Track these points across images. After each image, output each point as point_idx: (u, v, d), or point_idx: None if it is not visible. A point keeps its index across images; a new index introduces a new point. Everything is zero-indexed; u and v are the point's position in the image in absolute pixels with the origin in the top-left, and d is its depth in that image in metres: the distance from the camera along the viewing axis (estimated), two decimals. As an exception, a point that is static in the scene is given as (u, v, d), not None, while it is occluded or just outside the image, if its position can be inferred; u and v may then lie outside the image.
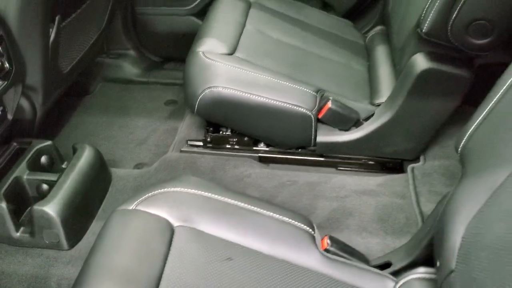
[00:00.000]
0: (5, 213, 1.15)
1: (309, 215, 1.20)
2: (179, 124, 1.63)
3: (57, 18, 1.31)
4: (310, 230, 0.90)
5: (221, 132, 1.45)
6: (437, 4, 1.11)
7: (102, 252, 0.82)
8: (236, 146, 1.44)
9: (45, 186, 1.25)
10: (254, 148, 1.44)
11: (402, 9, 1.40)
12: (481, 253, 0.61)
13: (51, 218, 1.14)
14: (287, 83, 1.33)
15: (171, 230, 0.84)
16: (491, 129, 0.76)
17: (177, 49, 1.74)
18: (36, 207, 1.15)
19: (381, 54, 1.54)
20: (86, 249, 1.12)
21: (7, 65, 1.17)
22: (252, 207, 0.91)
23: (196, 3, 1.82)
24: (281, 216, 0.90)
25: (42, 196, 1.21)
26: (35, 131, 1.41)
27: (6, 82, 1.17)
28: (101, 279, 0.77)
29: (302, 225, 0.90)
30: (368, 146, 1.36)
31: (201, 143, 1.46)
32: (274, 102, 1.29)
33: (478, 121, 0.78)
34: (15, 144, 1.33)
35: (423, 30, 1.14)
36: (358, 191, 1.30)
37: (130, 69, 1.93)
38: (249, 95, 1.29)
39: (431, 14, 1.12)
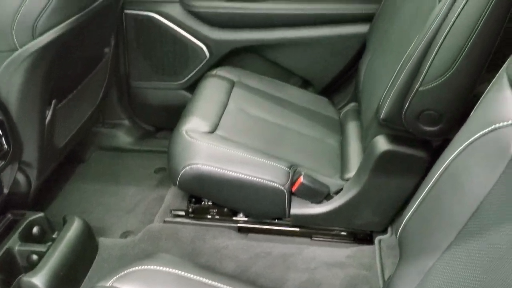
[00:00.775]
0: (-5, 284, 1.23)
1: (280, 286, 1.28)
2: (167, 192, 1.73)
3: (53, 102, 1.43)
4: None
5: (203, 203, 1.54)
6: (391, 94, 1.22)
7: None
8: (216, 217, 1.53)
9: (34, 257, 1.33)
10: (234, 218, 1.53)
11: (368, 92, 1.51)
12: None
13: (38, 289, 1.21)
14: (262, 159, 1.43)
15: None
16: (422, 218, 0.84)
17: (169, 120, 1.82)
18: (25, 278, 1.23)
19: (353, 130, 1.64)
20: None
21: (5, 146, 1.28)
22: (224, 286, 0.99)
23: (186, 78, 1.95)
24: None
25: (31, 266, 1.29)
26: (30, 201, 1.49)
27: (3, 162, 1.28)
28: None
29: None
30: (339, 218, 1.44)
31: (183, 213, 1.56)
32: (249, 177, 1.39)
33: (412, 209, 0.87)
34: (9, 215, 1.41)
35: (381, 117, 1.26)
36: (328, 263, 1.37)
37: (124, 138, 2.04)
38: (226, 171, 1.39)
39: (387, 103, 1.23)
